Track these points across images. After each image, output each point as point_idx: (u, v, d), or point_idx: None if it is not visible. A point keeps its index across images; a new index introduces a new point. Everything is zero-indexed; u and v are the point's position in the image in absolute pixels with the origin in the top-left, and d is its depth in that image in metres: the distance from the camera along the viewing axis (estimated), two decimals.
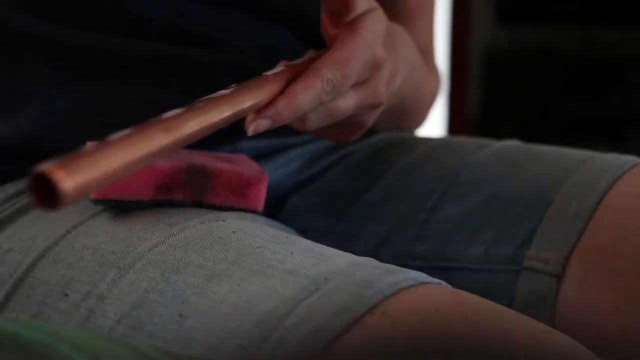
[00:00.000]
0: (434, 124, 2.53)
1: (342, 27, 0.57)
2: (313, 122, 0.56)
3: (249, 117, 0.52)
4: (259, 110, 0.52)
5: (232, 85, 0.49)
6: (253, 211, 0.58)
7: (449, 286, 0.50)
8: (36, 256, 0.54)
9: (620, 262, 0.58)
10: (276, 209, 0.72)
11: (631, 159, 0.65)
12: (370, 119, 0.61)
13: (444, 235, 0.66)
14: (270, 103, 0.52)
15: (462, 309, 0.46)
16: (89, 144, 0.38)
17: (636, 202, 0.60)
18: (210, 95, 0.47)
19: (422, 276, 0.49)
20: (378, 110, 0.60)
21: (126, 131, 0.39)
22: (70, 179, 0.34)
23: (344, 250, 0.68)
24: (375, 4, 0.59)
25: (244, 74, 0.54)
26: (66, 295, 0.52)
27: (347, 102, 0.56)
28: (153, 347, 0.45)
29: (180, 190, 0.56)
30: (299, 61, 0.56)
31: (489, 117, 2.85)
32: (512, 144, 0.72)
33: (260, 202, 0.58)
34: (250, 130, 0.52)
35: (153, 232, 0.53)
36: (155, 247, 0.52)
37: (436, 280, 0.50)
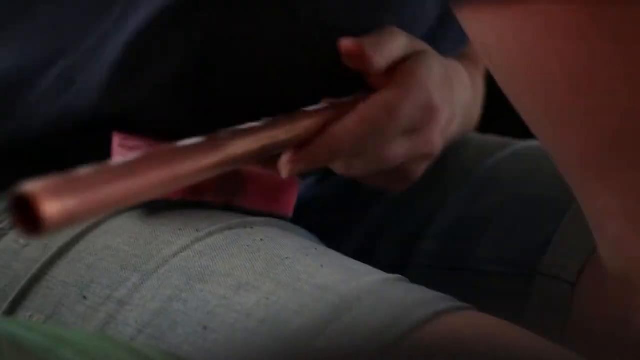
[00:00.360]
0: None
1: (395, 70, 0.54)
2: (358, 169, 0.53)
3: (284, 157, 0.50)
4: (295, 151, 0.49)
5: (265, 118, 0.47)
6: (282, 217, 0.56)
7: (478, 312, 0.49)
8: (54, 254, 0.52)
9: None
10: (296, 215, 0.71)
11: None
12: (421, 169, 0.58)
13: (459, 235, 0.64)
14: (308, 143, 0.49)
15: (500, 337, 0.45)
16: (84, 168, 0.34)
17: None
18: (236, 127, 0.45)
19: (455, 301, 0.48)
20: (430, 160, 0.58)
21: (132, 157, 0.36)
22: (56, 202, 0.30)
23: (362, 250, 0.67)
24: (425, 46, 0.56)
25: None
26: (85, 297, 0.50)
27: (397, 150, 0.54)
28: (161, 352, 0.43)
29: (211, 193, 0.54)
30: (344, 99, 0.53)
31: (489, 117, 2.84)
32: (533, 144, 0.70)
33: (291, 208, 0.56)
34: (284, 172, 0.50)
35: (179, 236, 0.51)
36: (181, 252, 0.50)
37: (467, 305, 0.48)
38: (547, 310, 0.59)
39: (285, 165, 0.49)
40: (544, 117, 0.42)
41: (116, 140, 0.53)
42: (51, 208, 0.30)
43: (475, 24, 0.41)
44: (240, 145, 0.43)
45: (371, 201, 0.69)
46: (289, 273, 0.48)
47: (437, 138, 0.56)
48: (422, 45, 0.56)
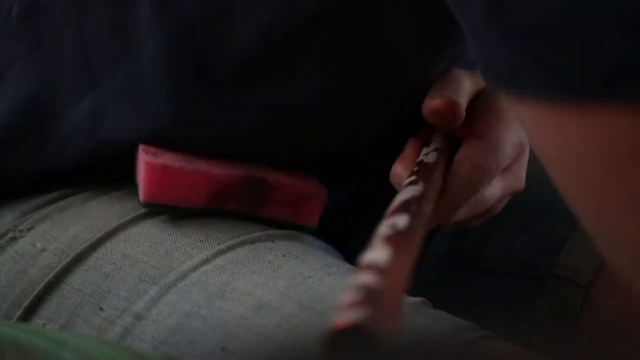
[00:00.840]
0: None
1: (479, 113, 0.53)
2: (462, 214, 0.52)
3: None
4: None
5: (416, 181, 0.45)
6: (306, 228, 0.54)
7: (503, 340, 0.47)
8: (71, 260, 0.51)
9: None
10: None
11: None
12: (504, 204, 0.56)
13: (474, 235, 0.63)
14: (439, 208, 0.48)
15: None
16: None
17: None
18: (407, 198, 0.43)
19: (479, 330, 0.46)
20: (514, 194, 0.56)
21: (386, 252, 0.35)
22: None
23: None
24: (480, 77, 0.54)
25: None
26: (101, 309, 0.48)
27: (494, 191, 0.52)
28: (164, 358, 0.42)
29: (234, 200, 0.52)
30: (439, 142, 0.52)
31: None
32: None
33: (316, 219, 0.55)
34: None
35: (200, 249, 0.49)
36: (201, 266, 0.49)
37: (489, 334, 0.47)
38: (560, 313, 0.58)
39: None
40: (596, 228, 0.39)
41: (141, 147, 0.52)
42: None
43: (531, 123, 0.37)
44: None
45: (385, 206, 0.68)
46: (311, 294, 0.47)
47: (524, 173, 0.55)
48: (480, 78, 0.54)
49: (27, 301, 0.50)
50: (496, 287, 0.52)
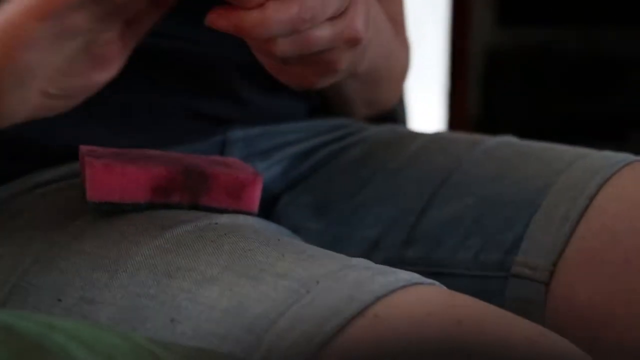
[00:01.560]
0: (434, 123, 2.52)
1: None
2: (282, 48, 0.51)
3: (217, 9, 0.48)
4: (228, 8, 0.48)
5: None
6: (248, 213, 0.58)
7: (443, 287, 0.50)
8: (30, 261, 0.54)
9: (610, 268, 0.57)
10: (268, 209, 0.72)
11: (625, 156, 0.64)
12: (345, 59, 0.56)
13: (433, 239, 0.65)
14: (239, 7, 0.48)
15: (456, 311, 0.46)
16: None
17: (625, 206, 0.59)
18: None
19: (415, 277, 0.49)
20: (355, 50, 0.56)
21: None
22: None
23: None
24: None
25: None
26: (59, 300, 0.52)
27: (323, 33, 0.52)
28: (147, 339, 0.44)
29: (178, 193, 0.56)
30: None
31: (489, 117, 2.85)
32: (505, 140, 0.71)
33: (255, 204, 0.58)
34: (209, 19, 0.48)
35: (144, 236, 0.53)
36: (147, 250, 0.52)
37: (429, 280, 0.49)
38: (523, 311, 0.59)
39: (214, 15, 0.48)
40: None
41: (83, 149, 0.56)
42: None
43: None
44: None
45: (347, 205, 0.70)
46: (251, 264, 0.49)
47: (360, 24, 0.54)
48: None
49: None
50: (460, 290, 0.55)
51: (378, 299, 0.46)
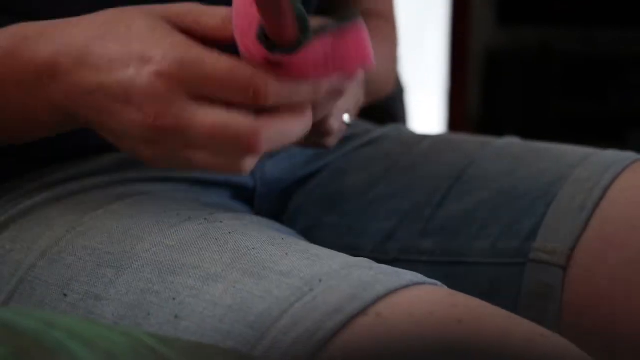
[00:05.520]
0: (434, 123, 2.53)
1: None
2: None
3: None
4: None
5: None
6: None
7: (445, 287, 0.50)
8: (37, 256, 0.55)
9: (627, 252, 0.58)
10: (281, 206, 0.73)
11: (630, 155, 0.66)
12: (329, 107, 0.57)
13: (450, 230, 0.66)
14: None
15: (457, 311, 0.46)
16: None
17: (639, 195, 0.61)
18: None
19: (417, 277, 0.49)
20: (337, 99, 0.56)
21: None
22: None
23: (350, 246, 0.69)
24: None
25: None
26: (65, 295, 0.52)
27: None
28: (147, 334, 0.45)
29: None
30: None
31: (489, 117, 2.86)
32: (513, 140, 0.73)
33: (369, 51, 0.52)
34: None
35: (150, 233, 0.53)
36: (152, 247, 0.52)
37: (431, 280, 0.50)
38: (542, 295, 0.60)
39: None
40: None
41: None
42: None
43: None
44: None
45: (360, 199, 0.71)
46: (255, 262, 0.50)
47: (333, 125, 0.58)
48: None
49: (2, 297, 0.54)
50: (481, 279, 0.55)
51: (380, 298, 0.46)
